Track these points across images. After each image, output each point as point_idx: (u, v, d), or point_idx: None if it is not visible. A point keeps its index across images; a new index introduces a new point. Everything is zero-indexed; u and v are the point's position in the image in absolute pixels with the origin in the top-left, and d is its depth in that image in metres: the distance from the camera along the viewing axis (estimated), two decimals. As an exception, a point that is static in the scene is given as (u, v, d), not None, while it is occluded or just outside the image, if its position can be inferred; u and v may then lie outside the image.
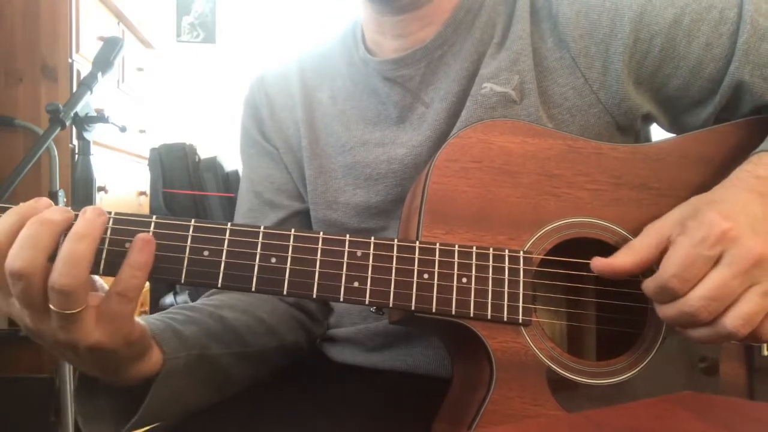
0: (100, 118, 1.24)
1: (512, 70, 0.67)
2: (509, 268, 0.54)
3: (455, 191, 0.56)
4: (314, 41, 0.84)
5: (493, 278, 0.54)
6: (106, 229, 0.50)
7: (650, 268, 0.53)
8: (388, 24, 0.72)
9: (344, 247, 0.53)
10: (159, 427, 0.63)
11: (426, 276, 0.53)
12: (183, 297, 1.52)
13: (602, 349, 0.63)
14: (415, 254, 0.53)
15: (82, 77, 1.33)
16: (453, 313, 0.53)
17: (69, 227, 0.48)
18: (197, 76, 3.29)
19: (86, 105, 1.19)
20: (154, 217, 0.52)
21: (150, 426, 0.60)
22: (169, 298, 1.55)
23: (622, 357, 0.56)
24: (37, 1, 1.67)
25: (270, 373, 0.71)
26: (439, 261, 0.53)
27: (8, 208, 0.49)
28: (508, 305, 0.54)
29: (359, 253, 0.53)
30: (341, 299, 0.53)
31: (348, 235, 0.53)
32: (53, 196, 1.55)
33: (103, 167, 1.70)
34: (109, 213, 0.51)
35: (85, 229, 0.48)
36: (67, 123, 1.14)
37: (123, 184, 2.12)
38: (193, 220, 0.52)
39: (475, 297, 0.53)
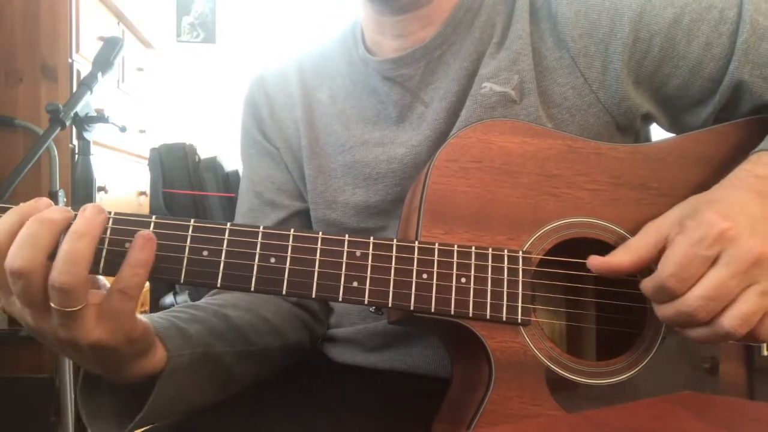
0: (100, 118, 1.23)
1: (512, 69, 0.67)
2: (508, 268, 0.54)
3: (455, 191, 0.56)
4: (314, 41, 0.84)
5: (492, 278, 0.54)
6: (106, 229, 0.50)
7: (648, 267, 0.53)
8: (387, 24, 0.72)
9: (343, 247, 0.53)
10: (161, 426, 0.63)
11: (425, 276, 0.53)
12: (183, 297, 1.52)
13: (602, 349, 0.63)
14: (414, 254, 0.53)
15: (82, 77, 1.33)
16: (452, 312, 0.53)
17: (69, 226, 0.48)
18: (197, 76, 3.30)
19: (86, 105, 1.19)
20: (154, 217, 0.52)
21: (152, 425, 0.60)
22: (169, 298, 1.55)
23: (622, 357, 0.56)
24: (37, 1, 1.67)
25: (273, 372, 0.71)
26: (438, 261, 0.53)
27: (8, 208, 0.50)
28: (507, 305, 0.54)
29: (358, 253, 0.53)
30: (340, 299, 0.53)
31: (347, 235, 0.53)
32: (53, 196, 1.55)
33: (103, 167, 1.70)
34: (109, 213, 0.51)
35: (84, 228, 0.48)
36: (67, 123, 1.14)
37: (123, 184, 2.12)
38: (192, 220, 0.52)
39: (474, 297, 0.53)
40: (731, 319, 0.48)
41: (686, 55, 0.63)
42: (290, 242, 0.52)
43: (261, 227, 0.53)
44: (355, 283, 0.53)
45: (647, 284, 0.52)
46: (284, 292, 0.52)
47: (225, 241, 0.52)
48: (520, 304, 0.54)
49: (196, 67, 3.31)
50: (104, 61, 1.20)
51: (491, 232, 0.56)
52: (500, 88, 0.67)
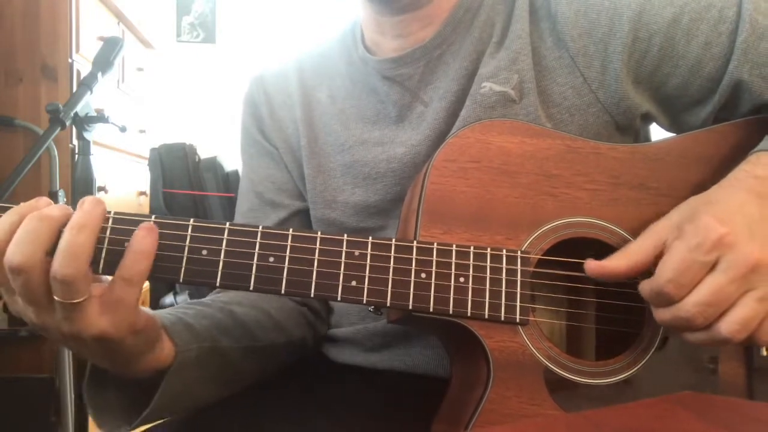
0: (100, 118, 1.24)
1: (511, 69, 0.67)
2: (507, 268, 0.54)
3: (453, 191, 0.56)
4: (313, 41, 0.85)
5: (490, 278, 0.54)
6: (106, 228, 0.51)
7: (647, 271, 0.52)
8: (387, 24, 0.72)
9: (342, 247, 0.53)
10: (164, 423, 0.63)
11: (423, 275, 0.53)
12: (183, 297, 1.52)
13: (601, 349, 0.63)
14: (412, 254, 0.53)
15: (82, 77, 1.33)
16: (450, 312, 0.53)
17: (67, 222, 0.48)
18: (197, 76, 3.30)
19: (86, 105, 1.19)
20: (153, 216, 0.52)
21: (155, 422, 0.61)
22: (169, 298, 1.55)
23: (621, 357, 0.56)
24: (37, 1, 1.67)
25: (278, 368, 0.71)
26: (436, 261, 0.53)
27: (8, 208, 0.50)
28: (505, 305, 0.54)
29: (357, 252, 0.53)
30: (339, 298, 0.53)
31: (346, 235, 0.53)
32: (53, 196, 1.55)
33: (103, 167, 1.70)
34: (109, 212, 0.51)
35: (83, 220, 0.48)
36: (67, 123, 1.14)
37: (123, 184, 2.12)
38: (191, 220, 0.52)
39: (472, 296, 0.53)
40: (729, 325, 0.48)
41: (685, 54, 0.63)
42: (289, 242, 0.53)
43: (260, 227, 0.53)
44: (353, 283, 0.53)
45: (645, 288, 0.52)
46: (283, 292, 0.52)
47: (224, 241, 0.52)
48: (518, 304, 0.54)
49: (196, 67, 3.31)
50: (104, 61, 1.20)
51: (490, 232, 0.56)
52: (500, 87, 0.67)
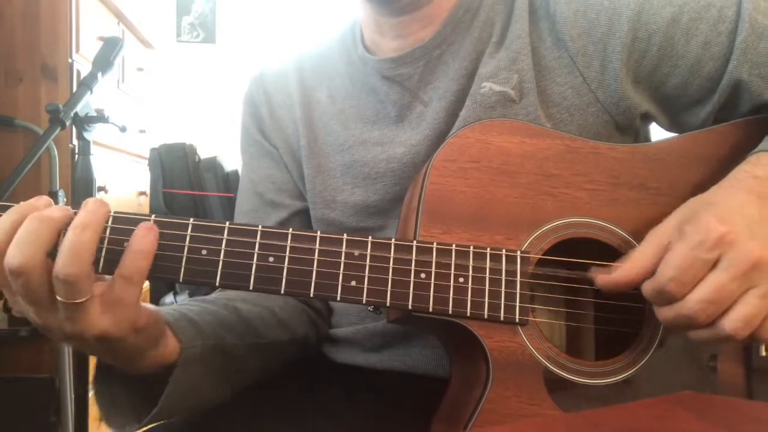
0: (100, 118, 1.23)
1: (511, 69, 0.67)
2: (506, 268, 0.54)
3: (453, 191, 0.56)
4: (313, 41, 0.85)
5: (490, 278, 0.54)
6: (105, 228, 0.51)
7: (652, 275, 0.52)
8: (387, 25, 0.72)
9: (341, 247, 0.53)
10: (165, 424, 0.63)
11: (423, 275, 0.53)
12: (183, 297, 1.52)
13: (600, 349, 0.63)
14: (412, 254, 0.53)
15: (82, 77, 1.33)
16: (450, 312, 0.53)
17: (68, 223, 0.48)
18: (197, 76, 3.30)
19: (86, 105, 1.19)
20: (153, 216, 0.52)
21: (157, 423, 0.61)
22: (169, 298, 1.55)
23: (620, 357, 0.56)
24: (37, 1, 1.67)
25: (281, 366, 0.71)
26: (436, 261, 0.53)
27: (8, 207, 0.50)
28: (505, 305, 0.54)
29: (356, 252, 0.53)
30: (338, 298, 0.53)
31: (345, 235, 0.53)
32: (53, 196, 1.55)
33: (103, 167, 1.70)
34: (109, 211, 0.51)
35: (87, 219, 0.48)
36: (67, 123, 1.14)
37: (123, 184, 2.12)
38: (191, 219, 0.52)
39: (472, 296, 0.53)
40: (732, 322, 0.48)
41: (685, 54, 0.63)
42: (288, 241, 0.53)
43: (260, 226, 0.53)
44: (353, 283, 0.53)
45: (647, 287, 0.52)
46: (282, 291, 0.52)
47: (224, 241, 0.52)
48: (517, 304, 0.54)
49: (196, 67, 3.31)
50: (104, 61, 1.20)
51: (489, 232, 0.56)
52: (499, 87, 0.67)
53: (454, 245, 0.54)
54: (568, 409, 0.54)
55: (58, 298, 0.47)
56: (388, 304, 0.53)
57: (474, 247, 0.54)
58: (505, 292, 0.54)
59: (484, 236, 0.56)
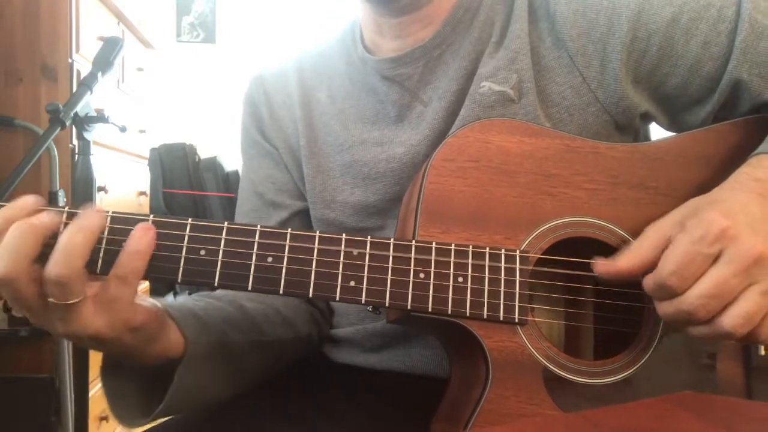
0: (100, 118, 1.24)
1: (510, 69, 0.67)
2: (505, 268, 0.54)
3: (452, 191, 0.56)
4: (313, 41, 0.84)
5: (489, 278, 0.54)
6: (104, 228, 0.51)
7: (652, 267, 0.52)
8: (386, 25, 0.72)
9: (340, 246, 0.53)
10: (164, 424, 0.63)
11: (422, 275, 0.53)
12: (183, 297, 1.51)
13: (599, 349, 0.63)
14: (411, 253, 0.53)
15: (82, 77, 1.33)
16: (449, 312, 0.53)
17: (56, 229, 0.49)
18: (197, 76, 3.29)
19: (86, 105, 1.19)
20: (151, 216, 0.52)
21: (156, 423, 0.61)
22: (169, 298, 1.55)
23: (619, 356, 0.55)
24: (37, 1, 1.67)
25: (284, 365, 0.72)
26: (435, 260, 0.53)
27: (2, 206, 0.50)
28: (504, 304, 0.54)
29: (355, 252, 0.53)
30: (337, 298, 0.53)
31: (344, 234, 0.53)
32: (53, 196, 1.55)
33: (103, 167, 1.70)
34: (107, 212, 0.51)
35: (83, 222, 0.49)
36: (67, 123, 1.14)
37: (123, 184, 2.12)
38: (190, 219, 0.52)
39: (471, 296, 0.53)
40: (732, 318, 0.48)
41: (685, 54, 0.63)
42: (287, 241, 0.52)
43: (258, 226, 0.53)
44: (352, 283, 0.53)
45: (648, 281, 0.51)
46: (281, 291, 0.52)
47: (222, 241, 0.52)
48: (517, 304, 0.54)
49: (196, 67, 3.31)
50: (104, 61, 1.20)
51: (488, 231, 0.56)
52: (499, 87, 0.67)
53: (453, 245, 0.54)
54: (567, 409, 0.54)
55: (50, 299, 0.47)
56: (387, 304, 0.53)
57: (473, 247, 0.54)
58: (505, 291, 0.54)
59: (483, 236, 0.55)
